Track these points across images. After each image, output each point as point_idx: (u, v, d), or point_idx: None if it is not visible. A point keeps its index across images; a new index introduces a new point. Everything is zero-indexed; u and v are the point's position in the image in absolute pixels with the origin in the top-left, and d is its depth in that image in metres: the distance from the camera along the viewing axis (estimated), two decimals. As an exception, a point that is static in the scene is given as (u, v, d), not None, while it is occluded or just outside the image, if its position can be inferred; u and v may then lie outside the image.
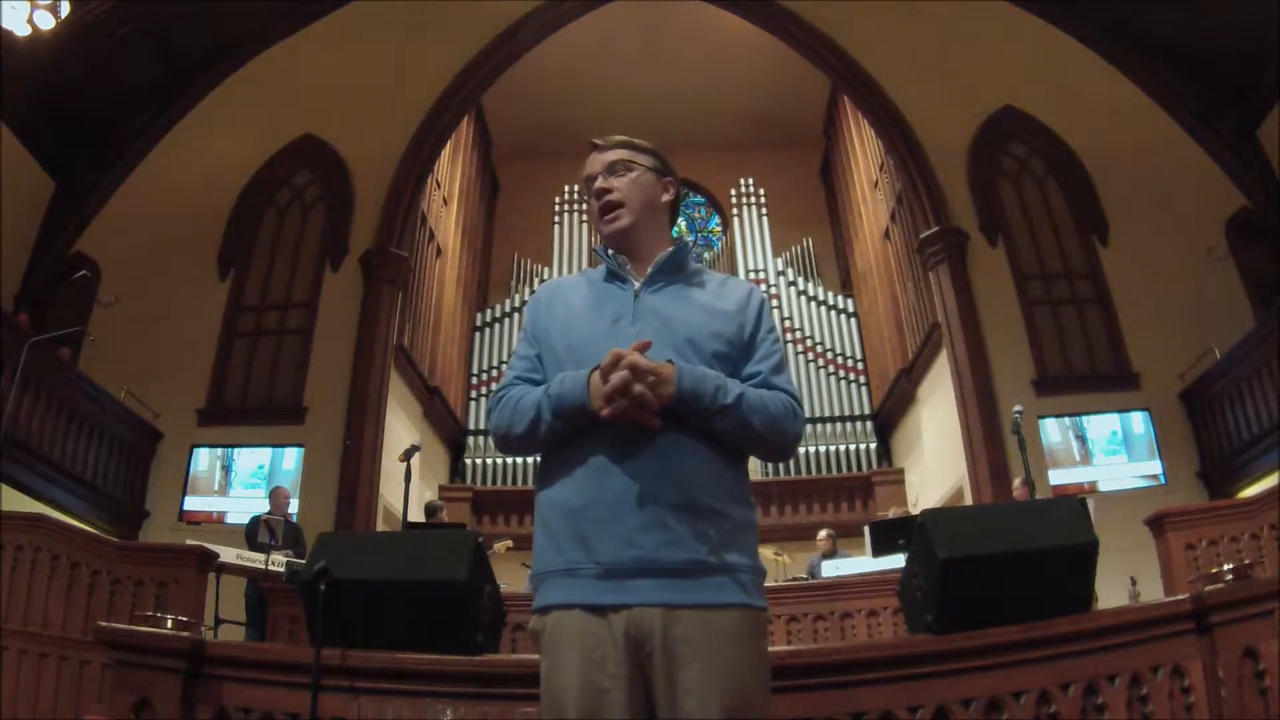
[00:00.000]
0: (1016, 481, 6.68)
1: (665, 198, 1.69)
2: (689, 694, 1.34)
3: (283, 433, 8.66)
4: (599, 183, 1.64)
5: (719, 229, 14.86)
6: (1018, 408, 5.99)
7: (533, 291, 12.71)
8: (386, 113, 9.91)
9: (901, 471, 11.13)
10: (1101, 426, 8.35)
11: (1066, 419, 8.38)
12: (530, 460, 11.65)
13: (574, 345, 1.56)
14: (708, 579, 1.41)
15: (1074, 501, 2.77)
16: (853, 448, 11.49)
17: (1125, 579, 6.07)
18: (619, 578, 1.40)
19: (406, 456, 6.02)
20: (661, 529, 1.41)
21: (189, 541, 5.47)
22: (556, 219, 13.66)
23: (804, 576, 6.94)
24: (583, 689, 1.37)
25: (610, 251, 1.66)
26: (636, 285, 1.62)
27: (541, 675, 1.46)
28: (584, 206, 13.71)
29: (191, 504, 8.33)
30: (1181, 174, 9.16)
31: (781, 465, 10.99)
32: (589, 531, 1.43)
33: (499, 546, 7.13)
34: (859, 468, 11.35)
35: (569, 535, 1.45)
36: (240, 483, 8.45)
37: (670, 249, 1.65)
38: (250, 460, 8.55)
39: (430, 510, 7.25)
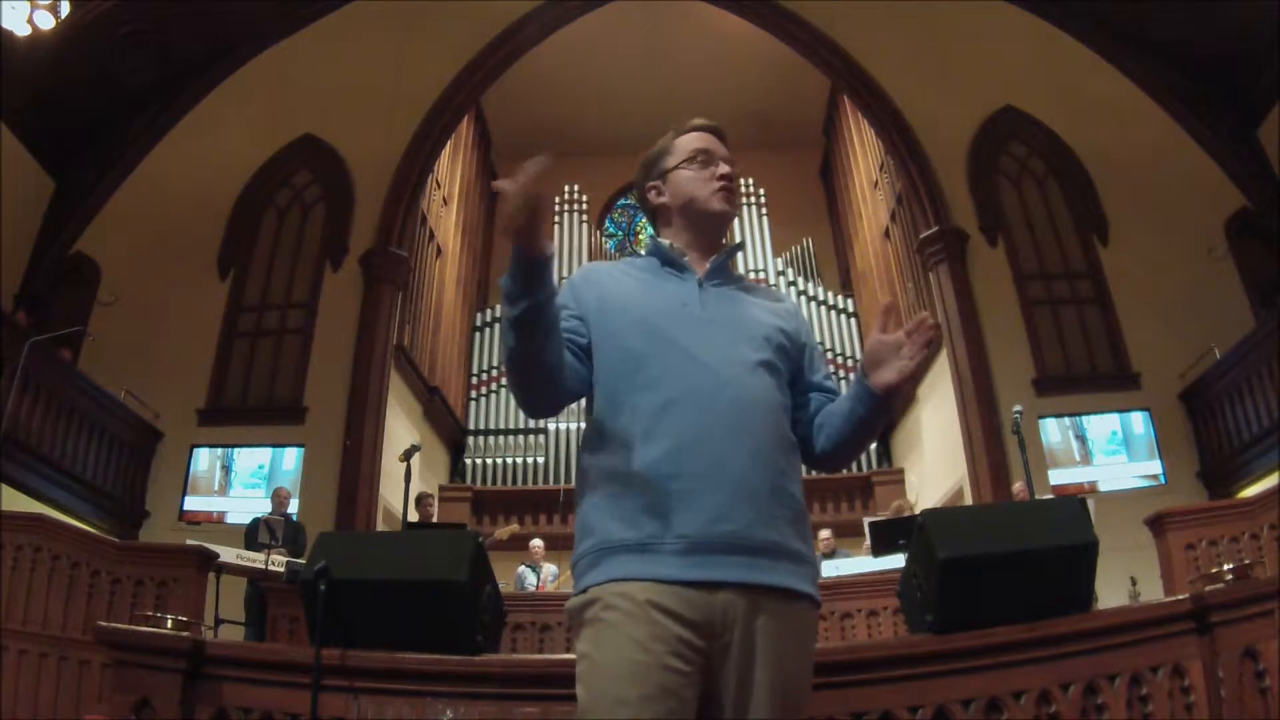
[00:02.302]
0: (1017, 485, 6.68)
1: None
2: (760, 689, 1.28)
3: (283, 433, 8.66)
4: (729, 169, 1.61)
5: (719, 229, 14.85)
6: (1018, 408, 5.99)
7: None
8: (386, 113, 9.91)
9: (901, 471, 11.13)
10: (1101, 426, 8.34)
11: (1066, 419, 8.38)
12: (531, 460, 11.67)
13: (643, 318, 1.48)
14: (789, 564, 1.36)
15: (1074, 501, 2.78)
16: (853, 448, 11.48)
17: (1125, 579, 6.07)
18: (705, 553, 1.31)
19: (406, 456, 6.02)
20: (751, 506, 1.34)
21: (189, 541, 5.48)
22: (556, 219, 13.65)
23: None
24: (650, 667, 1.23)
25: (669, 244, 1.61)
26: (698, 277, 1.57)
27: (587, 651, 1.31)
28: (583, 206, 13.74)
29: (191, 504, 8.33)
30: (1181, 174, 9.16)
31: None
32: (673, 503, 1.33)
33: (502, 533, 7.09)
34: (859, 468, 11.33)
35: (644, 506, 1.34)
36: (240, 483, 8.45)
37: (732, 246, 1.64)
38: (250, 460, 8.55)
39: (416, 500, 7.23)
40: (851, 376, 11.00)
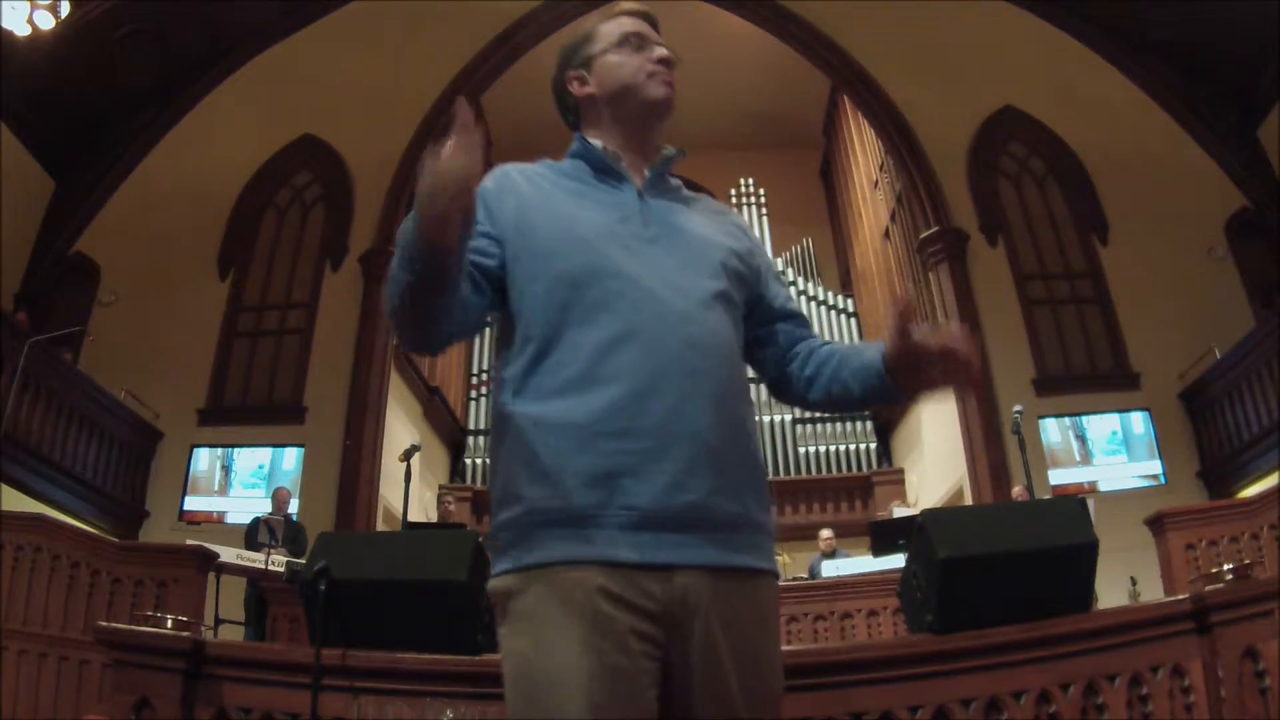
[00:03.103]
0: (1017, 489, 6.68)
1: None
2: (730, 678, 1.11)
3: (283, 433, 8.66)
4: (665, 52, 1.40)
5: (719, 229, 14.85)
6: (1018, 408, 5.99)
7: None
8: (386, 113, 9.91)
9: (901, 471, 11.13)
10: (1101, 426, 8.35)
11: (1066, 419, 8.38)
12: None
13: (576, 236, 1.23)
14: (753, 539, 1.18)
15: (1074, 501, 2.78)
16: (853, 448, 11.49)
17: (1125, 579, 6.07)
18: (660, 530, 1.10)
19: (406, 456, 6.02)
20: (713, 471, 1.14)
21: (189, 541, 5.49)
22: (556, 219, 13.65)
23: (804, 576, 6.94)
24: (599, 672, 1.04)
25: (601, 146, 1.36)
26: (637, 186, 1.33)
27: (520, 649, 1.10)
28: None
29: (191, 504, 8.34)
30: (1181, 174, 9.15)
31: (781, 465, 11.09)
32: (622, 465, 1.11)
33: None
34: (859, 468, 11.35)
35: (585, 469, 1.11)
36: (240, 483, 8.46)
37: (673, 150, 1.40)
38: (250, 460, 8.55)
39: (437, 500, 7.26)
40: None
